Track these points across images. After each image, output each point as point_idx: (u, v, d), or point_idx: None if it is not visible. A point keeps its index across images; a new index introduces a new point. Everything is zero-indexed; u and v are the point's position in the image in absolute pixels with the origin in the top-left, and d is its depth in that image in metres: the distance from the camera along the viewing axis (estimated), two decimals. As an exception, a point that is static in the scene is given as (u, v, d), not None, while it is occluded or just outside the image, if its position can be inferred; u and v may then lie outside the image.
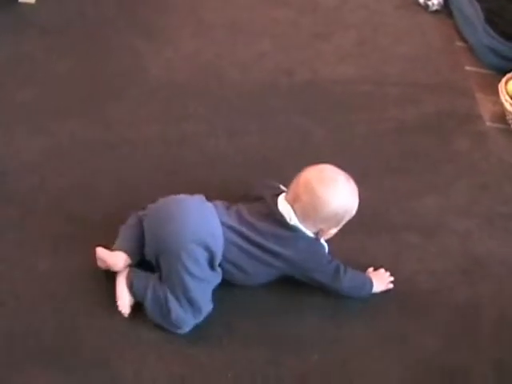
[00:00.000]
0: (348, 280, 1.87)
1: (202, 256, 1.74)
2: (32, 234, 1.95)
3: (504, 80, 2.73)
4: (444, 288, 1.99)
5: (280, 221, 1.81)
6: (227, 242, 1.77)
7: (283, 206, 1.82)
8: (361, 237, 2.05)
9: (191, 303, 1.74)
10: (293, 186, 1.82)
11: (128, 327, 1.78)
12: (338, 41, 2.89)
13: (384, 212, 2.18)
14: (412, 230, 2.14)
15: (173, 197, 1.85)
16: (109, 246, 1.83)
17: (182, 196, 1.85)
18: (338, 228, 1.85)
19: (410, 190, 2.28)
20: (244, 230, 1.80)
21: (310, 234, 1.83)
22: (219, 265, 1.78)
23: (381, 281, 1.94)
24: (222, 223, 1.79)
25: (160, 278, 1.78)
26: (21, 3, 2.73)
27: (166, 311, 1.74)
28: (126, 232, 1.87)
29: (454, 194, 2.30)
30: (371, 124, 2.50)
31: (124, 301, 1.78)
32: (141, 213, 1.87)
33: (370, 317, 1.89)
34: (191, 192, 1.89)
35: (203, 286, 1.76)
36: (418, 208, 2.22)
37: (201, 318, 1.77)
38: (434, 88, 2.76)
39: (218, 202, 1.88)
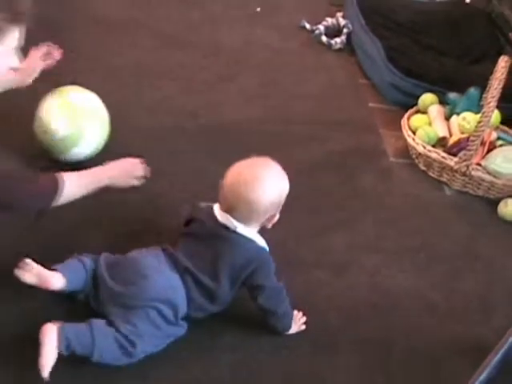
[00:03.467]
0: (286, 305, 1.88)
1: (168, 312, 1.73)
2: None
3: (407, 115, 2.80)
4: (355, 324, 1.99)
5: (223, 233, 1.82)
6: (188, 290, 1.77)
7: (223, 217, 1.83)
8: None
9: (148, 344, 1.71)
10: (222, 196, 1.83)
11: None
12: (243, 82, 2.91)
13: (294, 250, 2.18)
14: (322, 268, 2.14)
15: (130, 256, 1.82)
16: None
17: (136, 255, 1.82)
18: (280, 208, 1.87)
19: (319, 228, 2.29)
20: (197, 269, 1.79)
21: (258, 240, 1.85)
22: (185, 316, 1.78)
23: (293, 323, 1.92)
24: (178, 269, 1.79)
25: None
26: None
27: (124, 346, 1.68)
28: (73, 263, 1.80)
29: (362, 230, 2.32)
30: (278, 163, 2.50)
31: (52, 359, 1.62)
32: (96, 256, 1.82)
33: (283, 357, 1.86)
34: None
35: (161, 336, 1.75)
36: (328, 245, 2.23)
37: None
38: (340, 125, 2.81)
39: (166, 246, 1.86)
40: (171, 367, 1.76)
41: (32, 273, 1.71)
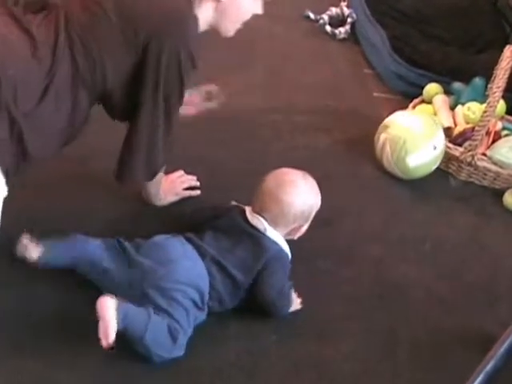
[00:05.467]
0: (287, 301, 1.91)
1: (195, 296, 1.75)
2: None
3: (411, 105, 2.79)
4: (360, 313, 1.99)
5: (253, 234, 1.88)
6: (212, 278, 1.80)
7: (253, 218, 1.90)
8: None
9: (181, 327, 1.73)
10: (257, 197, 1.92)
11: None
12: (247, 72, 2.90)
13: (299, 240, 2.16)
14: (327, 257, 2.14)
15: (161, 239, 1.85)
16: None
17: (163, 239, 1.85)
18: (309, 223, 1.97)
19: (323, 217, 2.26)
20: (222, 260, 1.83)
21: (284, 245, 1.92)
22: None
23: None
24: (204, 257, 1.82)
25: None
26: None
27: (173, 338, 1.70)
28: (80, 238, 1.83)
29: (367, 220, 2.32)
30: (282, 153, 2.50)
31: (114, 334, 1.62)
32: (120, 238, 1.84)
33: (287, 344, 1.86)
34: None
35: (189, 319, 1.75)
36: (332, 235, 2.23)
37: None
38: (344, 115, 2.80)
39: (192, 235, 1.89)
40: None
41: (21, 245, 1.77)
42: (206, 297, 1.79)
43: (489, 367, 1.72)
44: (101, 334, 1.60)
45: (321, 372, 1.82)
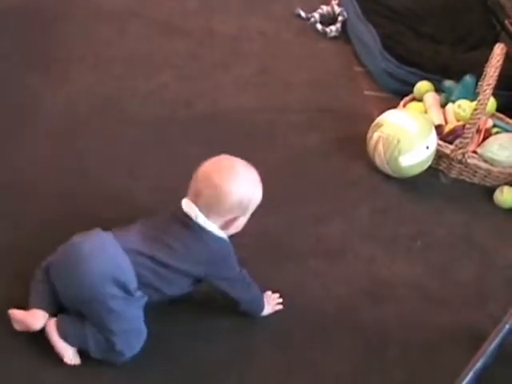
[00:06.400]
0: (252, 291, 1.87)
1: (117, 291, 1.69)
2: None
3: (402, 103, 2.79)
4: (350, 312, 1.99)
5: (185, 222, 1.76)
6: (138, 266, 1.71)
7: (186, 205, 1.77)
8: (265, 264, 2.03)
9: (128, 332, 1.71)
10: (192, 183, 1.78)
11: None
12: (238, 70, 2.90)
13: (288, 239, 2.17)
14: (317, 256, 2.14)
15: (70, 243, 1.76)
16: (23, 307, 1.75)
17: (77, 240, 1.76)
18: (246, 217, 1.81)
19: (314, 216, 2.28)
20: (149, 250, 1.73)
21: (216, 231, 1.78)
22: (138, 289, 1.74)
23: (267, 304, 1.92)
24: (127, 250, 1.72)
25: (85, 319, 1.72)
26: None
27: (110, 346, 1.69)
28: (37, 288, 1.77)
29: (357, 218, 2.32)
30: (274, 152, 2.50)
31: (69, 352, 1.70)
32: (43, 264, 1.79)
33: (280, 344, 1.87)
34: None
35: (131, 313, 1.72)
36: (323, 233, 2.23)
37: (143, 338, 1.73)
38: (335, 113, 2.80)
39: (117, 230, 1.80)
40: (167, 354, 1.76)
41: (16, 322, 1.73)
42: (132, 285, 1.70)
43: (479, 364, 1.72)
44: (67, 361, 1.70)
45: (312, 372, 1.82)
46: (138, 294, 1.73)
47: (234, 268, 1.82)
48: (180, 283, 1.79)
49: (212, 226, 1.77)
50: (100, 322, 1.69)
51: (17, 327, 1.73)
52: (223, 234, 1.80)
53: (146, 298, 1.75)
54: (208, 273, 1.79)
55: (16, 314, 1.71)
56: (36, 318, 1.72)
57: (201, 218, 1.75)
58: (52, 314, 1.74)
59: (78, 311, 1.72)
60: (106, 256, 1.71)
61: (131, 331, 1.72)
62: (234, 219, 1.78)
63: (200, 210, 1.75)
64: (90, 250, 1.71)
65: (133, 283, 1.71)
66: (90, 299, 1.68)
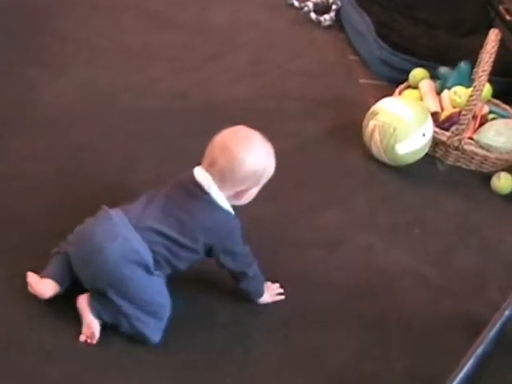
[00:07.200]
0: (254, 267, 1.86)
1: (139, 270, 1.72)
2: None
3: (397, 90, 2.79)
4: (350, 301, 1.99)
5: (194, 193, 1.75)
6: (152, 244, 1.73)
7: (199, 174, 1.76)
8: (263, 254, 2.01)
9: (153, 313, 1.74)
10: (207, 151, 1.78)
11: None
12: (232, 61, 2.89)
13: (288, 227, 2.17)
14: (315, 245, 2.14)
15: (82, 232, 1.79)
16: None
17: (88, 228, 1.78)
18: (258, 188, 1.81)
19: (311, 205, 2.28)
20: (160, 226, 1.74)
21: (226, 205, 1.78)
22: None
23: (267, 292, 1.93)
24: (140, 228, 1.73)
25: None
26: None
27: (138, 328, 1.72)
28: (55, 259, 1.80)
29: (355, 207, 2.31)
30: (270, 140, 2.46)
31: (96, 328, 1.73)
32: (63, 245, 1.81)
33: (280, 335, 1.86)
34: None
35: (155, 289, 1.75)
36: (321, 222, 2.23)
37: (166, 316, 1.76)
38: (331, 102, 2.80)
39: (125, 206, 1.81)
40: (166, 346, 1.76)
41: (30, 285, 1.77)
42: (151, 263, 1.72)
43: (479, 351, 1.73)
44: (84, 338, 1.73)
45: (312, 361, 1.82)
46: (157, 273, 1.75)
47: (239, 243, 1.82)
48: (190, 258, 1.80)
49: (223, 199, 1.77)
50: (127, 298, 1.71)
51: (30, 290, 1.77)
52: (230, 208, 1.79)
53: (164, 275, 1.78)
54: (213, 244, 1.78)
55: (31, 277, 1.76)
56: (46, 288, 1.76)
57: (214, 189, 1.75)
58: (62, 287, 1.77)
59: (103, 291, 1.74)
60: (120, 241, 1.71)
61: (156, 305, 1.75)
62: (246, 190, 1.78)
63: (213, 180, 1.75)
64: (103, 239, 1.72)
65: (150, 262, 1.73)
66: (110, 284, 1.71)
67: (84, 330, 1.74)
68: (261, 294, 1.91)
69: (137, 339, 1.74)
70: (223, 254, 1.81)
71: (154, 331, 1.75)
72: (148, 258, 1.72)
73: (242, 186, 1.77)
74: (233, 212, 1.80)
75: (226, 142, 1.76)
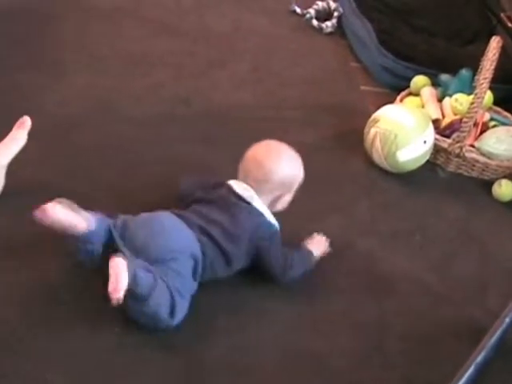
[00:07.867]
0: (297, 262, 1.97)
1: (189, 263, 1.80)
2: None
3: (399, 98, 2.79)
4: (350, 306, 1.99)
5: (237, 204, 1.92)
6: (200, 243, 1.83)
7: (239, 187, 1.95)
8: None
9: (181, 296, 1.77)
10: (242, 165, 1.98)
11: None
12: (234, 67, 2.89)
13: (289, 234, 2.16)
14: (317, 252, 2.14)
15: (149, 217, 1.86)
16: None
17: (155, 215, 1.87)
18: (291, 195, 2.02)
19: (313, 212, 2.28)
20: (208, 228, 1.86)
21: (266, 211, 1.95)
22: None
23: (317, 245, 2.05)
24: (191, 224, 1.84)
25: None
26: None
27: (172, 303, 1.74)
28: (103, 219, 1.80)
29: (356, 213, 2.31)
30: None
31: (123, 284, 1.63)
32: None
33: (281, 341, 1.86)
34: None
35: (189, 286, 1.80)
36: (322, 229, 2.21)
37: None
38: (332, 109, 2.80)
39: (176, 210, 1.91)
40: (165, 351, 1.75)
41: (64, 206, 1.70)
42: (200, 265, 1.82)
43: (479, 358, 1.72)
44: (111, 289, 1.61)
45: (313, 367, 1.81)
46: (197, 279, 1.83)
47: (279, 249, 1.96)
48: (238, 261, 1.90)
49: (264, 208, 1.95)
50: (166, 276, 1.74)
51: (47, 221, 1.69)
52: (274, 221, 1.97)
53: (195, 288, 1.83)
54: (257, 246, 1.91)
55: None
56: (88, 220, 1.72)
57: (255, 198, 1.94)
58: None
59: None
60: (186, 232, 1.83)
61: (185, 298, 1.78)
62: (281, 196, 1.98)
63: (251, 188, 1.94)
64: (173, 225, 1.84)
65: (200, 263, 1.82)
66: (163, 259, 1.75)
67: (111, 279, 1.63)
68: (312, 263, 2.02)
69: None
70: (265, 252, 1.92)
71: (179, 313, 1.76)
72: (199, 256, 1.82)
73: (276, 192, 1.97)
74: (276, 224, 1.98)
75: (257, 155, 1.97)
